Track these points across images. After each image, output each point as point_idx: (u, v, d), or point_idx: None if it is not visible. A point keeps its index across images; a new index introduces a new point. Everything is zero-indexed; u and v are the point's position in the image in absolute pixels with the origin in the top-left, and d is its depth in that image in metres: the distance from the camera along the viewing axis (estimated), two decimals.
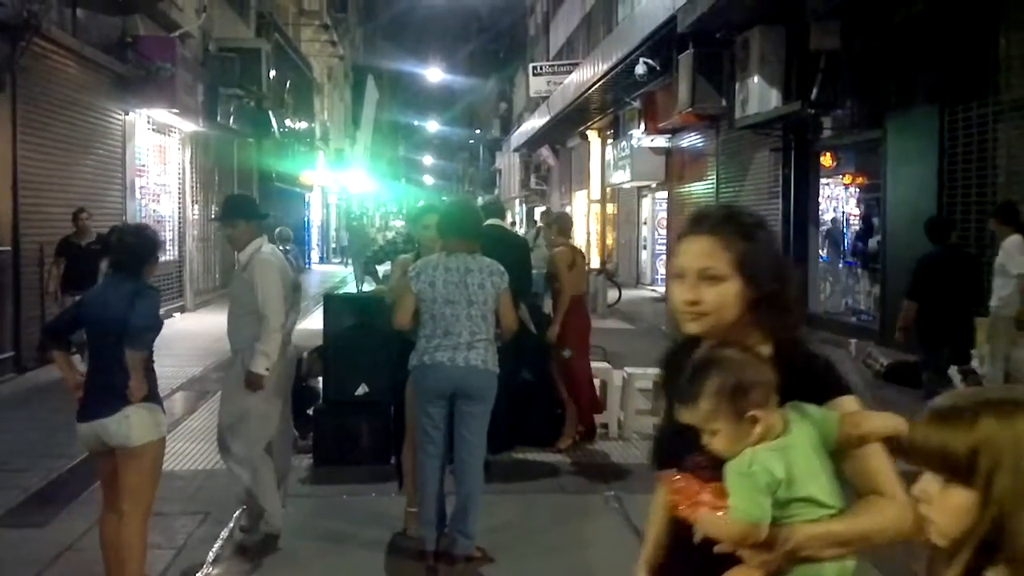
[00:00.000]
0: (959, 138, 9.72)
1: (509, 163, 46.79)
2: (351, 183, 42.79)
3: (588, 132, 25.79)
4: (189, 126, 15.79)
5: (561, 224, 8.09)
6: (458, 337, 4.68)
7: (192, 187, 16.86)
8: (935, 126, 9.98)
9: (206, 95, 15.96)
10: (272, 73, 19.68)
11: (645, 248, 23.11)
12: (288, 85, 23.58)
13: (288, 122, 23.87)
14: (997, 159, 9.37)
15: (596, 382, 7.83)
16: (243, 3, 19.96)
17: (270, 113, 20.17)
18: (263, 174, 22.58)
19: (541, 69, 29.66)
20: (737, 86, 13.29)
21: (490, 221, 6.70)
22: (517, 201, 45.38)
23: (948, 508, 1.23)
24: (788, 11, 11.74)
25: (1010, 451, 1.18)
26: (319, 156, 33.19)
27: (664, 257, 21.00)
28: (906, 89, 10.51)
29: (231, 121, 17.87)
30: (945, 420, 1.24)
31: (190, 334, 13.19)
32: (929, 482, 1.25)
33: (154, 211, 15.06)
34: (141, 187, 14.17)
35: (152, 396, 4.19)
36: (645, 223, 23.10)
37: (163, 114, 14.35)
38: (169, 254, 15.79)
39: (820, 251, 13.47)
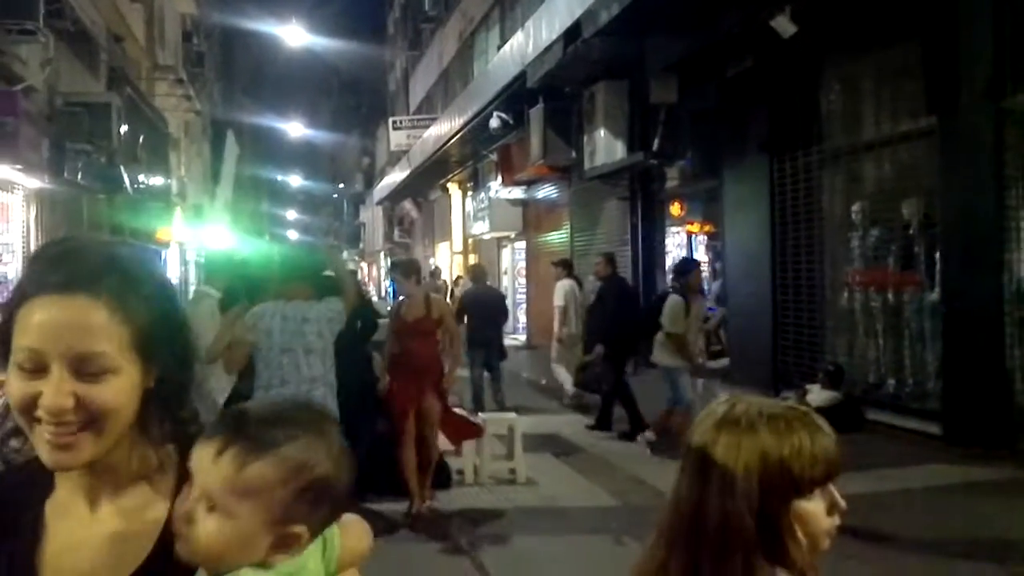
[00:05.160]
0: (787, 184, 10.40)
1: (373, 216, 46.82)
2: (211, 239, 41.87)
3: (448, 185, 26.16)
4: (34, 183, 15.25)
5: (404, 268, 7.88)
6: (297, 386, 4.71)
7: (38, 246, 16.25)
8: (766, 174, 10.64)
9: (53, 150, 15.47)
10: (124, 128, 19.23)
11: (506, 297, 23.44)
12: (142, 140, 23.04)
13: (142, 178, 23.28)
14: (822, 203, 10.06)
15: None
16: (92, 56, 19.49)
17: (122, 169, 19.64)
18: (116, 231, 21.90)
19: (401, 123, 30.00)
20: (585, 138, 13.82)
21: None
22: (382, 254, 45.34)
23: None
24: (630, 66, 12.33)
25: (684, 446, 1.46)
26: (176, 212, 32.43)
27: (524, 305, 21.39)
28: (739, 140, 11.17)
29: (80, 177, 17.33)
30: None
31: None
32: None
33: None
34: None
35: None
36: (506, 273, 23.46)
37: (5, 170, 13.84)
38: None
39: None
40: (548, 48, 12.14)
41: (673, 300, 8.03)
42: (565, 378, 11.32)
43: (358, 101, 53.31)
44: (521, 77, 13.74)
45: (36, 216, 16.10)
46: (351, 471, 1.14)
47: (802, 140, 10.13)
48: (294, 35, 33.20)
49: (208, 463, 1.09)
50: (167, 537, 1.13)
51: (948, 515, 6.10)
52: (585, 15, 10.51)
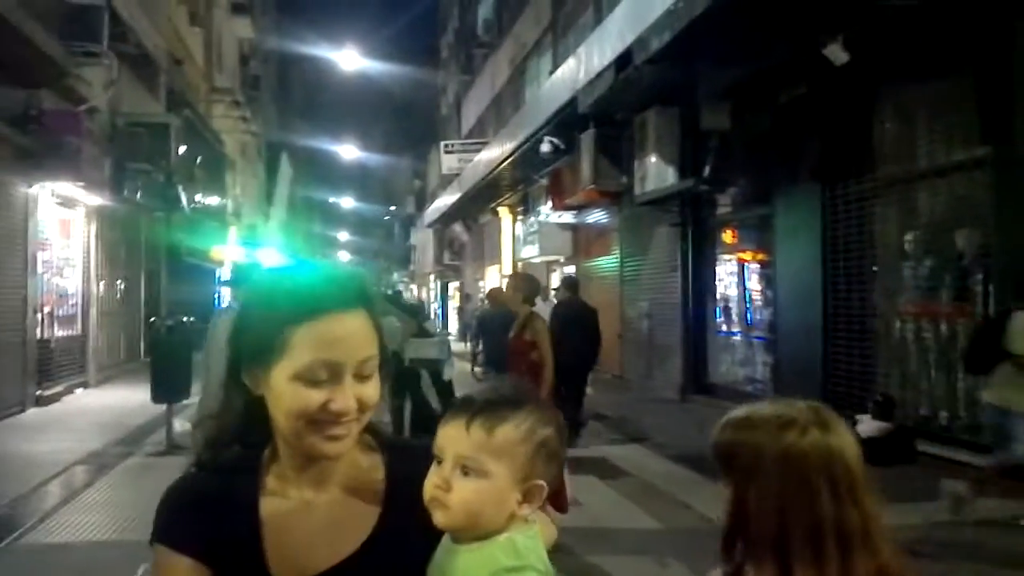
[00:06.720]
0: (840, 213, 10.32)
1: (424, 239, 47.14)
2: (265, 259, 42.49)
3: (499, 208, 26.28)
4: (95, 200, 15.68)
5: (528, 288, 7.45)
6: None
7: (97, 261, 16.65)
8: (818, 202, 10.57)
9: (113, 169, 15.90)
10: (182, 148, 19.69)
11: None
12: (199, 160, 23.54)
13: (199, 197, 23.77)
14: (874, 232, 9.97)
15: None
16: (153, 79, 20.02)
17: (179, 188, 20.09)
18: (172, 249, 22.39)
19: (452, 147, 30.21)
20: (636, 164, 13.83)
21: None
22: (432, 276, 45.62)
23: (723, 503, 1.47)
24: (681, 93, 12.35)
25: (752, 457, 1.43)
26: (231, 231, 33.00)
27: None
28: (791, 167, 11.11)
29: (139, 196, 17.77)
30: (721, 429, 1.49)
31: (91, 409, 12.95)
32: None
33: (57, 285, 14.84)
34: (44, 261, 13.97)
35: None
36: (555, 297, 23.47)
37: (68, 187, 14.25)
38: (72, 329, 15.51)
39: (723, 325, 13.94)
40: (599, 74, 12.20)
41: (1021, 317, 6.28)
42: None
43: (410, 124, 53.89)
44: (572, 103, 13.82)
45: (97, 232, 16.53)
46: (566, 442, 1.33)
47: (855, 168, 10.06)
48: (348, 59, 33.74)
49: (460, 434, 1.28)
50: (387, 517, 1.37)
51: (996, 549, 6.00)
52: (636, 42, 10.56)
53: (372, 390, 1.32)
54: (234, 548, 1.34)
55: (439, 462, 1.29)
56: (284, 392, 1.29)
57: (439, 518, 1.27)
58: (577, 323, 10.20)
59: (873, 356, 9.89)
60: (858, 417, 8.98)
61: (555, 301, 11.67)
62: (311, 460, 1.36)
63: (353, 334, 1.30)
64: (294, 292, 1.32)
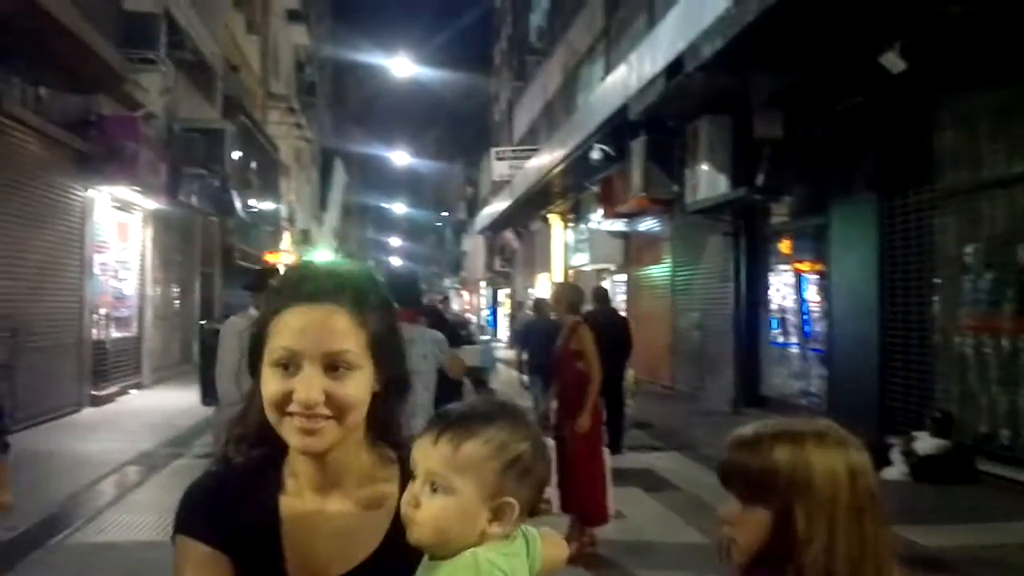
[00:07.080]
0: (897, 224, 10.08)
1: (475, 245, 47.26)
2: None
3: (549, 216, 26.22)
4: (151, 204, 15.93)
5: (572, 298, 7.37)
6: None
7: (153, 264, 16.92)
8: (874, 212, 10.35)
9: (169, 173, 16.13)
10: (237, 154, 19.94)
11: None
12: (254, 166, 23.85)
13: (253, 202, 24.07)
14: (933, 244, 9.72)
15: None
16: (209, 85, 20.30)
17: (234, 193, 20.34)
18: (226, 253, 22.69)
19: (503, 154, 30.22)
20: (688, 172, 13.67)
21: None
22: (483, 283, 45.69)
23: (748, 526, 1.37)
24: (733, 100, 12.18)
25: (801, 475, 1.34)
26: (284, 236, 33.39)
27: None
28: (847, 176, 10.89)
29: (194, 200, 18.02)
30: (747, 447, 1.39)
31: (144, 410, 13.14)
32: (731, 504, 1.40)
33: (113, 288, 15.09)
34: (101, 264, 14.22)
35: None
36: None
37: (125, 191, 14.50)
38: (128, 331, 15.76)
39: (777, 336, 13.68)
40: (651, 81, 12.08)
41: None
42: None
43: (463, 131, 54.10)
44: (623, 110, 13.71)
45: (152, 235, 16.79)
46: (547, 459, 1.30)
47: (913, 179, 9.83)
48: (402, 67, 33.95)
49: (429, 449, 1.25)
50: (396, 530, 1.32)
51: None
52: (688, 49, 10.43)
53: (349, 388, 1.30)
54: (254, 543, 1.35)
55: (413, 478, 1.27)
56: (263, 381, 1.32)
57: (410, 534, 1.25)
58: (608, 332, 10.03)
59: (931, 371, 9.63)
60: (915, 434, 8.77)
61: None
62: (311, 461, 1.36)
63: (319, 325, 1.29)
64: (284, 287, 1.36)
